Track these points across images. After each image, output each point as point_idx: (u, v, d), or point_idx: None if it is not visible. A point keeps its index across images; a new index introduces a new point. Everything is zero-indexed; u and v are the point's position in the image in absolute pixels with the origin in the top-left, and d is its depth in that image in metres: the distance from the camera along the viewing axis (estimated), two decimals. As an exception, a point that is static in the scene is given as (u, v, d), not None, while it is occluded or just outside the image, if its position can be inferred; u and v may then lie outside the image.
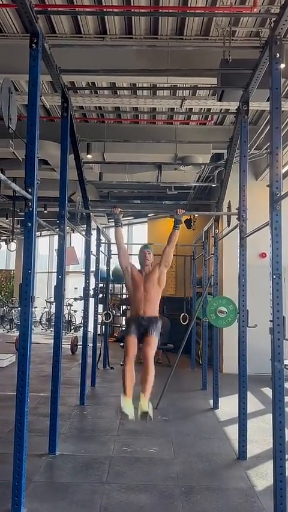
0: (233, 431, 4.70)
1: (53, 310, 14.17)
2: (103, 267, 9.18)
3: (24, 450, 3.01)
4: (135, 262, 4.44)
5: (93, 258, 7.04)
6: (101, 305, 9.06)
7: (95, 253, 7.35)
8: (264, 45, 3.50)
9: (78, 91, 6.19)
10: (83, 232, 6.33)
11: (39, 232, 14.44)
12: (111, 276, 9.85)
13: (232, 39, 5.00)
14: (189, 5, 4.75)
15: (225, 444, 4.48)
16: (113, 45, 5.25)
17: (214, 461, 4.03)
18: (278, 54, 3.18)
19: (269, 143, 3.58)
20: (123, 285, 13.15)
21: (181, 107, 6.28)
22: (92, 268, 6.89)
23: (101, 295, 8.99)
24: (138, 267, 4.34)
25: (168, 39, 5.25)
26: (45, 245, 17.33)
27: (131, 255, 4.48)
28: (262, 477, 3.70)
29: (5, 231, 14.47)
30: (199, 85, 5.78)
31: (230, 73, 4.64)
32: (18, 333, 10.80)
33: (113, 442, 4.42)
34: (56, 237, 15.17)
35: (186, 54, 5.12)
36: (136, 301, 4.15)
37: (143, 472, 3.73)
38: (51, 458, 3.95)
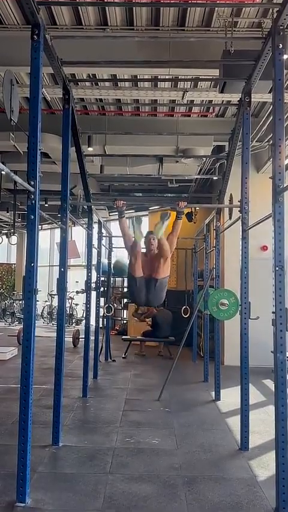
0: (234, 422, 4.73)
1: (54, 303, 14.24)
2: (104, 260, 9.18)
3: (28, 441, 3.03)
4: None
5: (94, 252, 7.05)
6: (103, 298, 9.08)
7: (96, 247, 7.35)
8: (267, 36, 3.47)
9: (79, 83, 6.16)
10: (85, 226, 6.33)
11: (39, 226, 14.53)
12: (112, 270, 9.86)
13: (234, 30, 4.98)
14: (190, -5, 4.71)
15: (227, 435, 4.51)
16: (114, 37, 5.22)
17: (216, 452, 4.07)
18: (280, 45, 3.16)
19: (271, 135, 3.57)
20: (125, 278, 13.24)
21: (183, 99, 6.25)
22: (94, 261, 6.89)
23: (102, 289, 9.01)
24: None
25: (169, 31, 5.21)
26: (45, 239, 17.33)
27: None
28: (264, 467, 3.73)
29: (6, 224, 14.46)
30: (201, 77, 5.75)
31: (232, 64, 4.62)
32: (19, 326, 10.82)
33: (115, 433, 4.45)
34: (57, 231, 15.05)
35: (188, 45, 5.09)
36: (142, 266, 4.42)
37: (146, 462, 3.76)
38: (55, 449, 3.98)
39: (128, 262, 4.68)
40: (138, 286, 4.42)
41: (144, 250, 4.71)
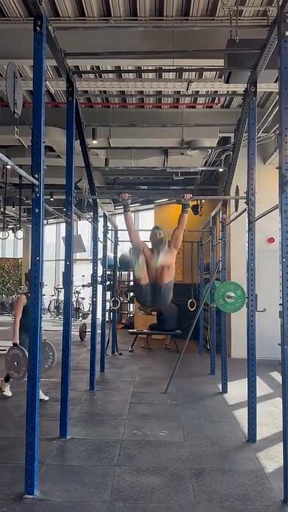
0: (242, 414, 4.73)
1: (60, 297, 14.30)
2: (110, 254, 9.17)
3: (36, 434, 3.05)
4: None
5: (100, 245, 7.04)
6: (109, 292, 9.09)
7: (102, 240, 7.34)
8: (273, 24, 3.41)
9: (82, 75, 6.11)
10: (90, 219, 6.31)
11: (45, 221, 14.56)
12: (118, 263, 9.86)
13: (239, 19, 4.90)
14: (194, -16, 4.65)
15: (234, 428, 4.51)
16: (117, 27, 5.16)
17: (224, 444, 4.07)
18: (286, 32, 3.11)
19: (277, 126, 3.52)
20: (131, 272, 13.23)
21: (187, 90, 6.19)
22: (100, 255, 6.89)
23: (108, 283, 9.01)
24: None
25: (173, 21, 5.15)
26: (51, 234, 17.36)
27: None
28: (272, 459, 3.73)
29: (12, 219, 14.49)
30: (205, 67, 5.67)
31: (237, 54, 4.55)
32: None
33: (123, 426, 4.47)
34: (62, 226, 15.08)
35: (192, 35, 5.02)
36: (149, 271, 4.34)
37: (154, 454, 3.77)
38: (63, 442, 4.00)
39: (134, 263, 4.47)
40: (144, 290, 4.39)
41: (150, 246, 4.63)
